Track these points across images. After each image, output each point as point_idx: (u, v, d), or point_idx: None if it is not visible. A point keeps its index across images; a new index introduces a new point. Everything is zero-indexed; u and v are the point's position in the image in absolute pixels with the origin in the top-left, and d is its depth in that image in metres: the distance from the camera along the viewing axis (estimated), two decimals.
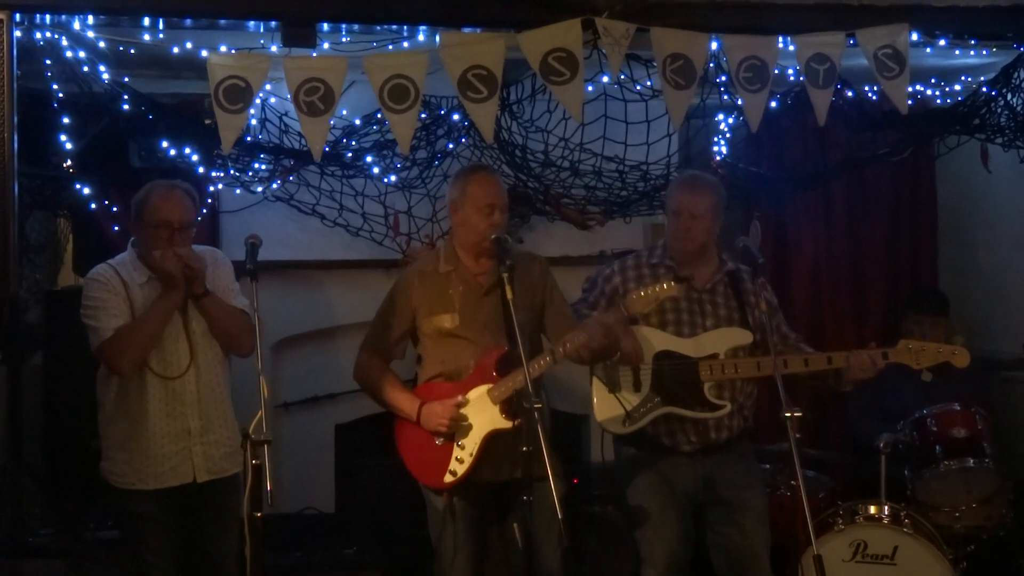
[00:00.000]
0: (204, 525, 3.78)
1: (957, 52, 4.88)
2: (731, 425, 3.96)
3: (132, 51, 4.31)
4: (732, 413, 3.91)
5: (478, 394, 3.73)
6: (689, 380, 3.86)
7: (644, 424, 3.90)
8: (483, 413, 3.72)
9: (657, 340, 3.90)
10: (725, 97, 4.77)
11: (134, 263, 3.76)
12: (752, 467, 4.13)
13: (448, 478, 3.74)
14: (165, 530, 3.71)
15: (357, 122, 4.83)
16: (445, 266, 3.86)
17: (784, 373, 3.67)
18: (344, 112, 4.75)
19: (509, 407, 3.68)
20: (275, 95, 4.66)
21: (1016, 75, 4.83)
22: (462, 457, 3.73)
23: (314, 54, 4.19)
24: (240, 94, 3.89)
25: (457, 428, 3.73)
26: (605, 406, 3.95)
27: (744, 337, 3.92)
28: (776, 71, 4.33)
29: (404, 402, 3.82)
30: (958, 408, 4.71)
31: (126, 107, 4.42)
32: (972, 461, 4.58)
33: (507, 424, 3.67)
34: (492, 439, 3.70)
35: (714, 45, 4.26)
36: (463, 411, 3.73)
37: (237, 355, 3.85)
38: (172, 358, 3.71)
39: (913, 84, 4.78)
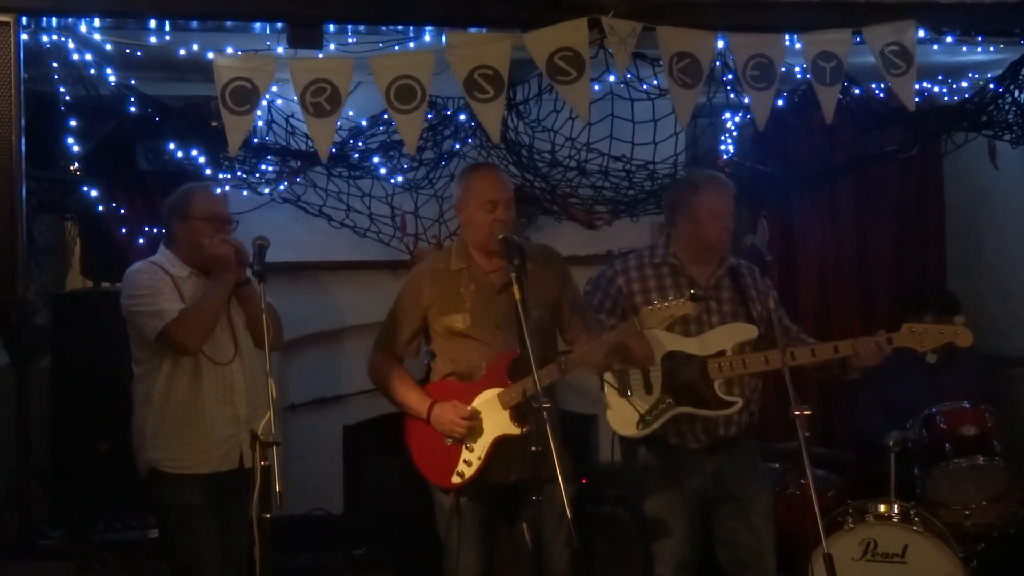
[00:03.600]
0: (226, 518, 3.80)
1: (964, 49, 4.85)
2: (739, 420, 3.96)
3: (138, 53, 4.30)
4: (740, 408, 3.91)
5: (488, 397, 3.72)
6: (699, 379, 3.86)
7: (658, 426, 3.89)
8: (493, 417, 3.71)
9: (665, 341, 3.89)
10: (732, 95, 4.75)
11: (171, 260, 3.83)
12: (758, 463, 4.14)
13: (455, 479, 3.74)
14: (214, 523, 3.74)
15: (364, 123, 4.83)
16: (457, 263, 3.85)
17: (792, 365, 3.70)
18: (351, 113, 4.73)
19: (519, 412, 3.67)
20: (281, 96, 4.65)
21: None
22: (470, 460, 3.73)
23: (320, 55, 4.17)
24: (246, 96, 3.88)
25: (467, 433, 3.73)
26: (618, 410, 3.94)
27: (749, 332, 3.92)
28: (783, 69, 4.31)
29: (415, 400, 3.82)
30: (967, 406, 4.71)
31: (133, 109, 4.43)
32: (982, 459, 4.58)
33: (516, 430, 3.66)
34: (501, 443, 3.70)
35: (720, 43, 4.24)
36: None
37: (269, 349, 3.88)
38: (220, 346, 3.78)
39: (920, 81, 4.75)
